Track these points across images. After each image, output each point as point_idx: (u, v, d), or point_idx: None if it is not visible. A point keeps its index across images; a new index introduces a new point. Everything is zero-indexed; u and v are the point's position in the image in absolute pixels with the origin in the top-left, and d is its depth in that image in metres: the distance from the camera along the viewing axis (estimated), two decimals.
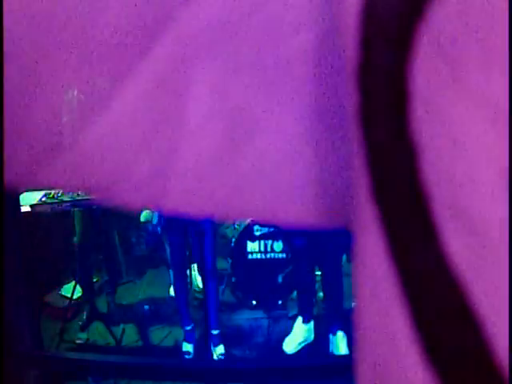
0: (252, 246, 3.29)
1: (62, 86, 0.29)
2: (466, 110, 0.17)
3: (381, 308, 0.21)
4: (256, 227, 3.24)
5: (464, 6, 0.17)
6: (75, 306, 3.13)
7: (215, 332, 2.93)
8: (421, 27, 0.18)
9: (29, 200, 2.68)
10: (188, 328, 2.96)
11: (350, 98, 0.22)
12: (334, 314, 2.86)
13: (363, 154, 0.21)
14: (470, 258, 0.18)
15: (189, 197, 0.31)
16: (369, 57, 0.20)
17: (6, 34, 0.28)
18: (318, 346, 2.90)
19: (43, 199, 2.73)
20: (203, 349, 2.84)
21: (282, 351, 2.92)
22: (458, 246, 0.18)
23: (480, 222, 0.17)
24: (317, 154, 0.29)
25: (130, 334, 3.13)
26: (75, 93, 0.30)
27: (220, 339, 2.94)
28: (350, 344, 2.80)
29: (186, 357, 2.91)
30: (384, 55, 0.19)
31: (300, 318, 2.98)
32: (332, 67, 0.26)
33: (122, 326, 3.14)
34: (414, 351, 0.19)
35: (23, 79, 0.29)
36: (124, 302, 3.49)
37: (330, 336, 2.85)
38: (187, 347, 2.95)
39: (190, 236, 2.91)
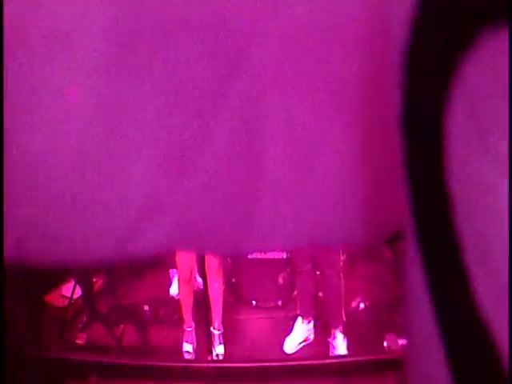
0: None
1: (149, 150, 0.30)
2: (488, 168, 0.18)
3: (425, 328, 0.23)
4: None
5: (495, 69, 0.18)
6: (75, 306, 3.13)
7: (217, 332, 2.93)
8: (456, 82, 0.19)
9: None
10: (189, 329, 2.97)
11: (395, 111, 0.23)
12: (334, 317, 2.85)
13: (407, 192, 0.23)
14: (491, 295, 0.19)
15: (272, 231, 0.32)
16: (411, 102, 0.21)
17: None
18: (318, 346, 2.90)
19: None
20: (203, 349, 2.84)
21: (282, 351, 2.92)
22: (482, 286, 0.19)
23: (500, 268, 0.18)
24: (373, 167, 0.31)
25: (129, 334, 3.13)
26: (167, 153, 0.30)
27: (221, 340, 2.94)
28: (349, 346, 2.81)
29: (186, 356, 2.92)
30: (425, 102, 0.21)
31: (300, 318, 2.98)
32: (385, 86, 0.28)
33: (122, 326, 3.14)
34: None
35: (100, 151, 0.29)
36: (124, 302, 3.49)
37: (330, 340, 2.85)
38: (187, 347, 2.96)
39: None
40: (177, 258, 2.86)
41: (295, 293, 3.13)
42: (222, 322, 3.00)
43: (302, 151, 0.30)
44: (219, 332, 2.95)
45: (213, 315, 2.92)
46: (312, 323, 2.97)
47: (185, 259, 2.82)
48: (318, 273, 2.96)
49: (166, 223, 0.31)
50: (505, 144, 0.18)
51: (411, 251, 0.23)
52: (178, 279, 2.95)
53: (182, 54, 0.29)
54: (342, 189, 0.31)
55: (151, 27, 0.28)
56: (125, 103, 0.29)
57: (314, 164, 0.31)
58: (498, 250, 0.18)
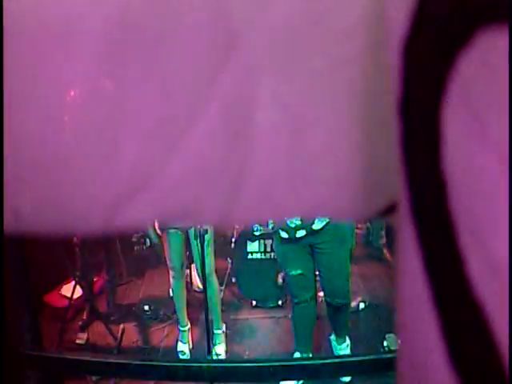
0: (252, 246, 3.29)
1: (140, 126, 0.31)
2: (486, 158, 0.19)
3: (419, 305, 0.23)
4: (256, 227, 3.24)
5: (489, 60, 0.18)
6: (75, 306, 3.14)
7: (218, 331, 2.93)
8: (452, 73, 0.20)
9: None
10: (183, 329, 2.96)
11: (393, 96, 0.24)
12: (340, 330, 2.81)
13: (404, 176, 0.23)
14: (486, 282, 0.20)
15: (261, 204, 0.33)
16: (409, 90, 0.22)
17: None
18: (319, 346, 2.90)
19: None
20: (202, 348, 2.84)
21: (282, 351, 2.92)
22: (477, 272, 0.20)
23: (495, 254, 0.19)
24: (362, 147, 0.32)
25: (129, 334, 3.13)
26: (154, 126, 0.31)
27: (221, 339, 2.94)
28: (352, 347, 2.81)
29: (181, 356, 2.91)
30: (422, 91, 0.21)
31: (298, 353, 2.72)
32: (377, 68, 0.29)
33: (122, 326, 3.14)
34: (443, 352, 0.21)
35: (106, 125, 0.30)
36: (124, 302, 3.49)
37: (333, 342, 2.84)
38: (182, 347, 2.95)
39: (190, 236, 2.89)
40: (166, 254, 2.83)
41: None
42: (224, 322, 3.00)
43: (293, 127, 0.31)
44: (220, 331, 2.95)
45: (214, 314, 2.91)
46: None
47: (174, 254, 2.80)
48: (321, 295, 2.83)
49: (153, 197, 0.32)
50: (502, 131, 0.18)
51: (406, 229, 0.24)
52: (170, 276, 2.92)
53: (176, 41, 0.30)
54: (333, 163, 0.32)
55: (149, 13, 0.29)
56: (119, 85, 0.30)
57: (303, 140, 0.32)
58: (492, 234, 0.19)
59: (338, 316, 2.73)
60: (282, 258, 2.69)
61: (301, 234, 2.43)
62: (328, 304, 2.70)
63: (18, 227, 0.33)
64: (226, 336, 3.01)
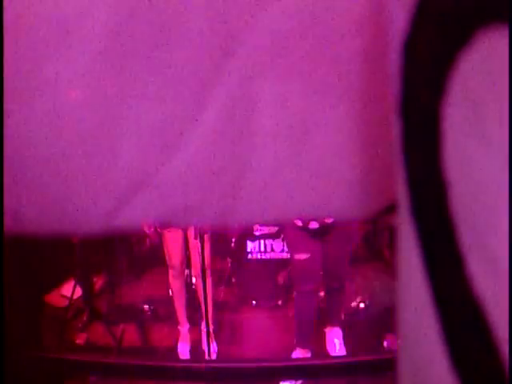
0: (252, 246, 3.29)
1: (137, 121, 0.31)
2: (486, 158, 0.19)
3: (419, 305, 0.23)
4: (256, 227, 3.24)
5: (489, 60, 0.19)
6: (75, 306, 3.13)
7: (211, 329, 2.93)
8: (453, 74, 0.20)
9: None
10: (183, 329, 2.96)
11: (393, 97, 0.24)
12: (332, 319, 2.85)
13: (404, 176, 0.23)
14: (486, 282, 0.20)
15: (261, 204, 0.33)
16: (409, 91, 0.22)
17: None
18: (319, 346, 2.90)
19: None
20: (201, 349, 2.84)
21: (282, 351, 2.92)
22: (477, 271, 0.20)
23: (495, 253, 0.19)
24: (362, 147, 0.32)
25: (130, 334, 3.13)
26: (155, 126, 0.31)
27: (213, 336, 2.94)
28: (349, 346, 2.82)
29: (181, 357, 2.91)
30: (422, 91, 0.21)
31: (298, 350, 2.71)
32: (377, 69, 0.29)
33: (122, 326, 3.14)
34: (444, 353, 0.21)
35: (109, 125, 0.30)
36: (124, 302, 3.49)
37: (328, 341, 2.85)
38: (182, 347, 2.95)
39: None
40: (166, 252, 2.83)
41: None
42: (221, 321, 2.98)
43: (293, 128, 0.31)
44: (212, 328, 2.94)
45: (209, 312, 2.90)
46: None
47: (174, 252, 2.80)
48: (321, 294, 2.87)
49: (153, 197, 0.32)
50: (502, 131, 0.18)
51: (406, 228, 0.24)
52: (169, 275, 2.92)
53: (179, 38, 0.30)
54: (333, 163, 0.32)
55: (150, 16, 0.29)
56: (120, 86, 0.30)
57: (304, 140, 0.32)
58: (492, 234, 0.19)
59: (332, 301, 2.80)
60: (291, 242, 2.72)
61: (313, 225, 2.48)
62: (325, 288, 2.77)
63: (17, 227, 0.33)
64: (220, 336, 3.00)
